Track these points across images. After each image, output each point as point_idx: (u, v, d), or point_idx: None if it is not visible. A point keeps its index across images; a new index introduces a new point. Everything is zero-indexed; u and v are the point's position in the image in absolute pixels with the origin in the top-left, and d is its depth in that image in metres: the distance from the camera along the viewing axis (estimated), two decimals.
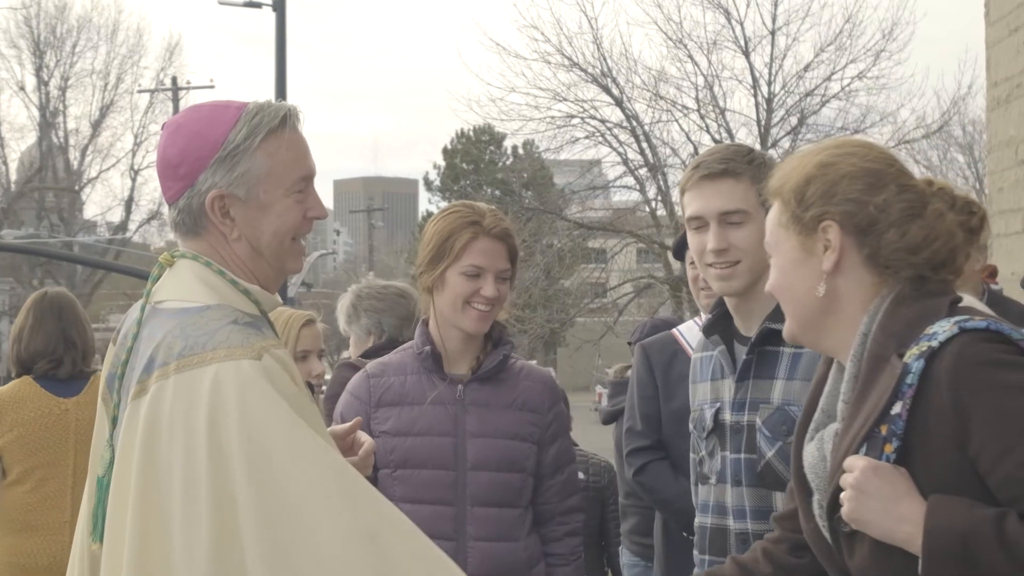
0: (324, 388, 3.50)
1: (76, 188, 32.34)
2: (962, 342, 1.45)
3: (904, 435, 1.46)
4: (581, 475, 4.20)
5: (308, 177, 1.73)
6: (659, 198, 18.11)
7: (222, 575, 1.48)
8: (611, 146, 18.14)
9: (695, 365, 2.39)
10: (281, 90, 15.31)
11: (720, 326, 2.27)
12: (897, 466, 1.47)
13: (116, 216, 32.96)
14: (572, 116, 17.90)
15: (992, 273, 5.09)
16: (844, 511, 1.50)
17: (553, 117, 17.78)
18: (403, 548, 1.50)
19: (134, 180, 31.76)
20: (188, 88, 30.69)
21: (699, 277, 2.63)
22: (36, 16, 31.67)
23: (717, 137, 17.33)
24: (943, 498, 1.43)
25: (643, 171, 18.14)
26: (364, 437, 1.99)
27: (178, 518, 1.51)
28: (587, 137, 18.03)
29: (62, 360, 3.56)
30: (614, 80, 17.65)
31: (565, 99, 17.74)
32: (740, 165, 2.15)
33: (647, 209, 18.69)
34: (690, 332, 3.14)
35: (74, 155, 32.19)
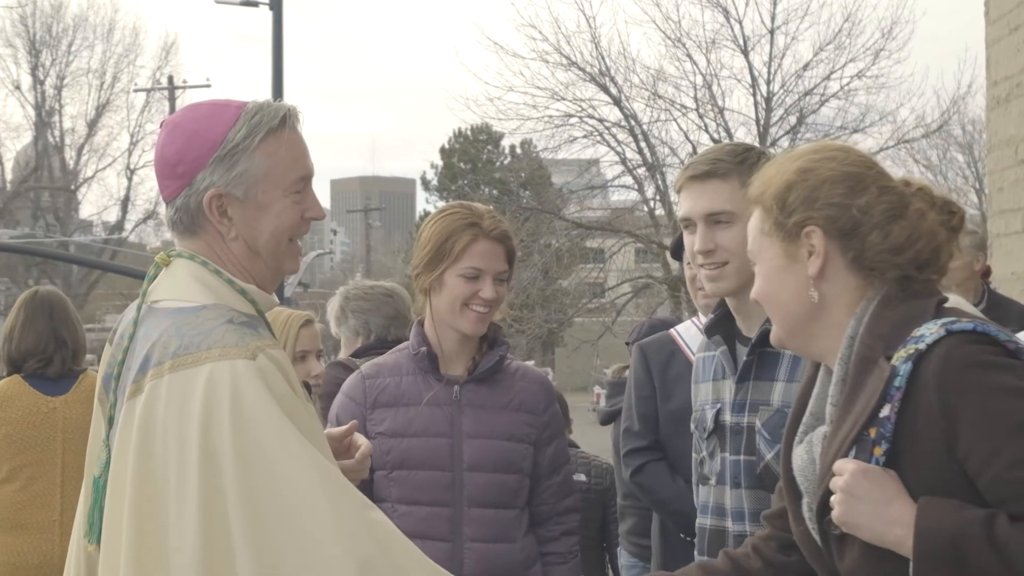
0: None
1: (72, 188, 32.26)
2: (949, 344, 1.45)
3: (893, 438, 1.46)
4: (583, 477, 4.18)
5: (307, 178, 1.73)
6: (657, 198, 18.10)
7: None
8: (609, 145, 18.17)
9: (698, 365, 2.38)
10: (278, 89, 15.27)
11: (722, 326, 2.26)
12: (887, 469, 1.47)
13: (112, 216, 32.98)
14: (570, 115, 17.90)
15: (985, 273, 5.05)
16: (835, 514, 1.50)
17: (551, 116, 17.81)
18: (386, 554, 1.50)
19: (130, 180, 31.75)
20: (184, 87, 30.67)
21: (696, 277, 2.64)
22: (32, 15, 31.64)
23: (716, 136, 17.31)
24: (933, 500, 1.43)
25: (641, 170, 18.13)
26: (361, 440, 1.98)
27: (173, 518, 1.51)
28: (585, 136, 18.05)
29: (52, 359, 3.56)
30: (612, 79, 17.64)
31: (563, 98, 17.75)
32: (728, 165, 2.14)
33: (645, 209, 18.68)
34: (688, 332, 3.13)
35: (70, 154, 32.13)
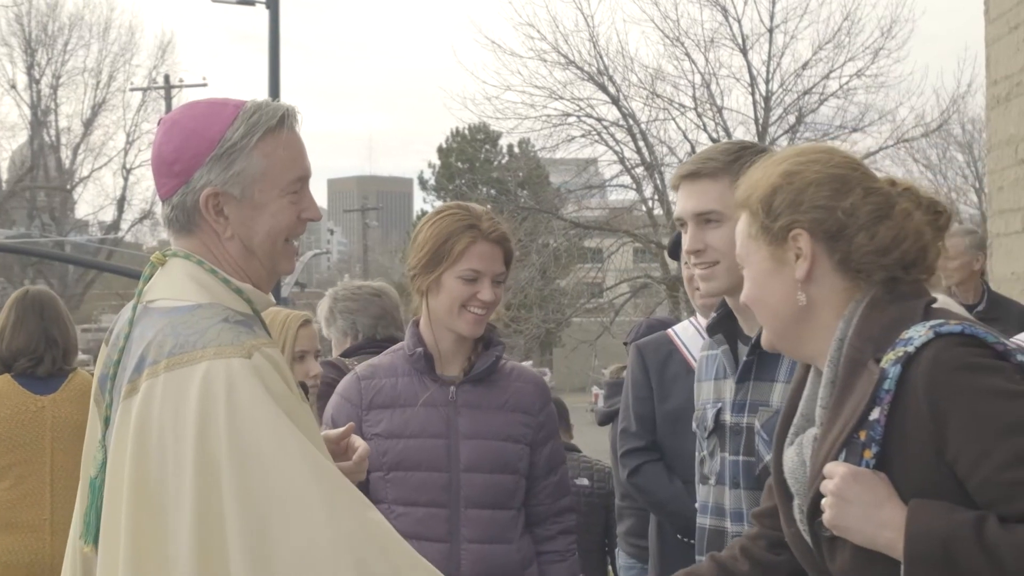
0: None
1: (68, 187, 32.23)
2: (938, 347, 1.45)
3: (883, 440, 1.47)
4: (586, 481, 4.14)
5: (304, 178, 1.72)
6: (656, 197, 18.09)
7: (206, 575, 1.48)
8: (607, 145, 18.15)
9: (701, 363, 2.38)
10: (275, 88, 15.22)
11: (723, 325, 2.25)
12: (877, 471, 1.47)
13: (108, 215, 32.92)
14: (568, 114, 17.88)
15: (980, 273, 5.01)
16: (825, 518, 1.50)
17: (549, 115, 17.78)
18: (383, 555, 1.50)
19: (126, 179, 31.70)
20: (181, 86, 30.61)
21: (693, 277, 2.61)
22: (27, 14, 31.57)
23: (714, 136, 17.30)
24: (923, 503, 1.44)
25: (640, 170, 18.12)
26: (358, 441, 1.98)
27: (170, 519, 1.51)
28: (583, 136, 18.03)
29: (43, 358, 3.58)
30: (610, 78, 17.62)
31: (561, 97, 17.73)
32: (717, 165, 2.14)
33: (644, 208, 18.66)
34: (685, 332, 3.12)
35: (66, 154, 32.08)
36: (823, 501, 1.51)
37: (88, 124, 31.70)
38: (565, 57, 17.53)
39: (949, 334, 1.46)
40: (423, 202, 40.08)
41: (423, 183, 38.35)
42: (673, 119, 17.77)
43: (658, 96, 17.59)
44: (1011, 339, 2.23)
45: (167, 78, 30.96)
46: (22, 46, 31.50)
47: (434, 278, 2.45)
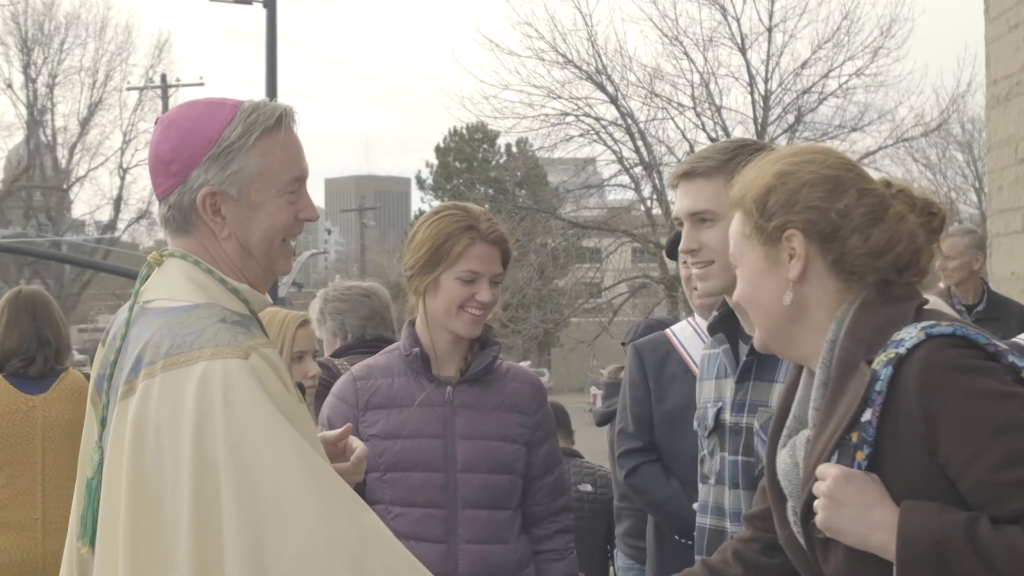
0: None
1: (64, 187, 32.16)
2: (929, 348, 1.45)
3: (875, 442, 1.47)
4: (589, 487, 4.09)
5: (301, 178, 1.72)
6: (654, 197, 18.09)
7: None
8: (606, 144, 18.14)
9: (703, 362, 2.37)
10: (272, 88, 15.16)
11: (724, 324, 2.24)
12: (869, 473, 1.48)
13: (105, 215, 32.87)
14: (566, 114, 17.87)
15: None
16: (818, 519, 1.51)
17: (547, 115, 17.77)
18: (378, 558, 1.50)
19: (123, 179, 31.65)
20: (177, 85, 30.53)
21: (690, 277, 2.62)
22: (24, 13, 31.52)
23: (713, 135, 17.29)
24: (915, 504, 1.44)
25: (638, 169, 18.12)
26: (356, 443, 1.98)
27: (168, 520, 1.51)
28: (581, 135, 18.03)
29: (35, 358, 3.58)
30: (609, 77, 17.60)
31: (559, 96, 17.73)
32: (712, 164, 2.13)
33: (642, 208, 18.66)
34: (683, 333, 3.10)
35: (62, 153, 32.02)
36: (815, 503, 1.51)
37: (84, 123, 31.66)
38: (563, 56, 17.52)
39: (940, 335, 1.46)
40: (421, 202, 40.13)
41: (421, 183, 38.33)
42: (672, 118, 17.80)
43: (656, 95, 17.61)
44: (1013, 339, 2.20)
45: (164, 77, 30.90)
46: (18, 45, 31.46)
47: (432, 279, 2.44)
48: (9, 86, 31.37)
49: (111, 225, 32.37)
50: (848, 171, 1.60)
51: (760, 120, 17.74)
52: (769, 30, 17.71)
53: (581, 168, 19.26)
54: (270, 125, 1.67)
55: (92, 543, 1.62)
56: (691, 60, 17.64)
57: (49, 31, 31.77)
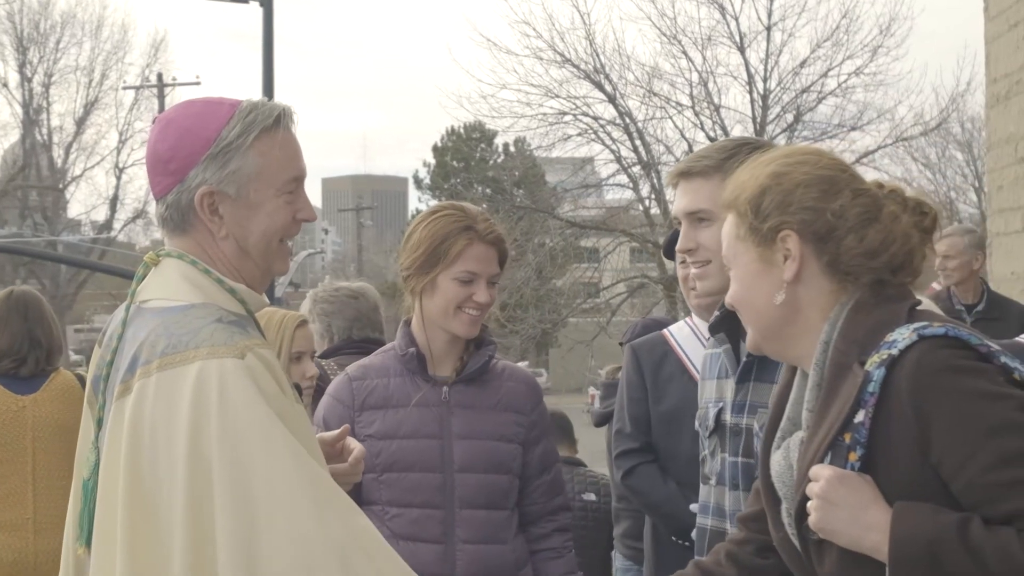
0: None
1: (60, 186, 32.02)
2: (921, 349, 1.46)
3: (868, 443, 1.48)
4: (593, 496, 4.04)
5: (299, 178, 1.72)
6: (653, 196, 18.07)
7: None
8: (604, 143, 18.10)
9: (705, 361, 2.36)
10: (268, 87, 15.11)
11: (726, 324, 2.21)
12: (862, 474, 1.48)
13: (101, 215, 32.75)
14: (564, 113, 17.83)
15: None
16: (811, 520, 1.51)
17: (545, 114, 17.73)
18: (369, 561, 1.50)
19: (119, 178, 31.51)
20: (174, 85, 30.47)
21: (688, 277, 2.62)
22: (19, 12, 31.36)
23: (711, 134, 17.26)
24: (908, 505, 1.44)
25: (636, 169, 18.09)
26: (354, 444, 1.97)
27: (162, 518, 1.52)
28: (579, 134, 18.00)
29: (26, 359, 3.59)
30: (607, 76, 17.57)
31: (557, 96, 17.69)
32: (710, 163, 2.13)
33: (640, 208, 18.63)
34: (681, 333, 3.10)
35: (58, 153, 31.88)
36: (809, 504, 1.51)
37: (80, 123, 31.52)
38: (561, 55, 17.48)
39: (933, 336, 1.47)
40: (418, 201, 40.06)
41: (418, 182, 38.26)
42: (670, 117, 17.77)
43: (655, 94, 17.58)
44: (1014, 339, 2.16)
45: (160, 76, 30.83)
46: (14, 44, 31.32)
47: (429, 279, 2.44)
48: (4, 85, 31.28)
49: (107, 225, 32.27)
50: (842, 172, 1.61)
51: (759, 119, 17.71)
52: (768, 29, 17.68)
53: (579, 167, 19.22)
54: (268, 125, 1.67)
55: (89, 544, 1.62)
56: (689, 59, 17.64)
57: (45, 30, 31.67)
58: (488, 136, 33.90)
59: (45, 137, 31.75)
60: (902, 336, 1.48)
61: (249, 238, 1.68)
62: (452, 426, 2.45)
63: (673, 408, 2.96)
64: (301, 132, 1.75)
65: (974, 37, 6.91)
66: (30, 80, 31.39)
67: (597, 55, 17.50)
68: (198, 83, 30.52)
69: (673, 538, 2.93)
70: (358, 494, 2.40)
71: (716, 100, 17.70)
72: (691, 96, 17.62)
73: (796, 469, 1.57)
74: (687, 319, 3.14)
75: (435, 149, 37.47)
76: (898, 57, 18.37)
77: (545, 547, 2.53)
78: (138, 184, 31.51)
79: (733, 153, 2.14)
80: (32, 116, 31.38)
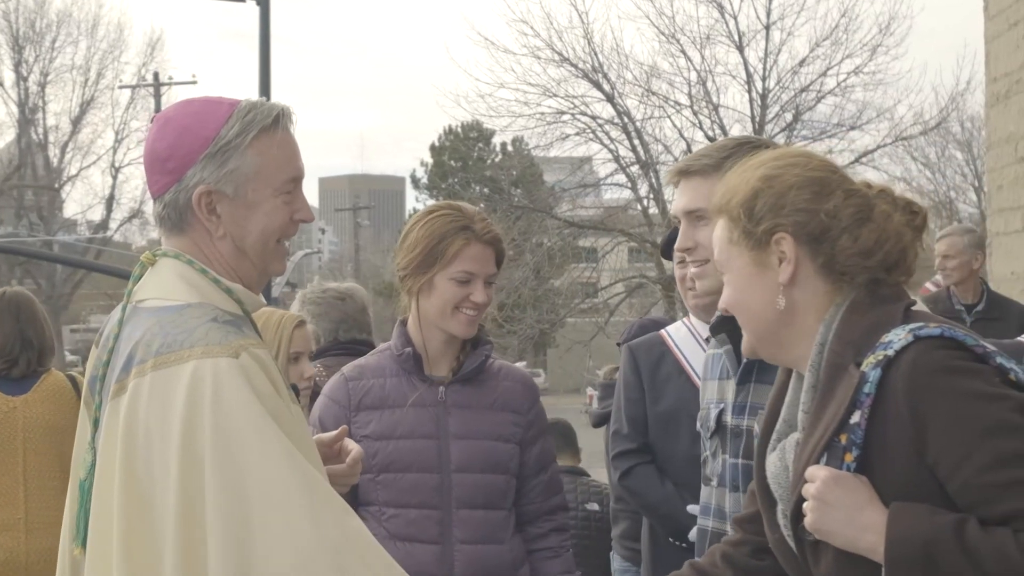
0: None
1: (56, 186, 31.96)
2: (917, 350, 1.46)
3: (863, 444, 1.48)
4: (596, 506, 3.99)
5: (297, 179, 1.72)
6: (651, 196, 18.04)
7: None
8: (602, 143, 18.06)
9: (707, 361, 2.35)
10: (265, 86, 15.08)
11: (727, 324, 2.18)
12: (858, 475, 1.48)
13: (97, 215, 32.68)
14: (562, 112, 17.78)
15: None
16: (807, 521, 1.51)
17: (543, 113, 17.68)
18: (363, 562, 1.50)
19: (115, 178, 31.44)
20: (170, 84, 30.43)
21: (686, 277, 2.61)
22: (15, 10, 31.29)
23: (710, 134, 17.23)
24: (904, 506, 1.45)
25: (635, 168, 18.05)
26: (351, 444, 1.97)
27: (156, 518, 1.52)
28: (578, 134, 17.96)
29: (17, 360, 3.59)
30: (605, 76, 17.53)
31: (555, 95, 17.64)
32: (710, 162, 2.13)
33: (639, 207, 18.59)
34: (678, 333, 3.08)
35: (54, 152, 31.82)
36: (805, 505, 1.51)
37: (76, 122, 31.44)
38: (559, 54, 17.43)
39: (928, 337, 1.47)
40: (416, 201, 40.01)
41: (415, 182, 38.20)
42: (668, 117, 17.72)
43: (653, 94, 17.53)
44: (1015, 340, 2.13)
45: (156, 75, 30.81)
46: (9, 43, 31.24)
47: (426, 280, 2.43)
48: (0, 84, 31.21)
49: (103, 225, 32.20)
50: (832, 173, 1.61)
51: (758, 118, 17.68)
52: (767, 28, 17.64)
53: (577, 167, 19.18)
54: (267, 124, 1.67)
55: (85, 544, 1.61)
56: (688, 58, 17.59)
57: (40, 29, 31.58)
58: (486, 135, 33.85)
59: (41, 136, 31.68)
60: (898, 337, 1.48)
61: (246, 238, 1.68)
62: (449, 426, 2.44)
63: (670, 409, 2.96)
64: (298, 131, 1.74)
65: (974, 36, 6.91)
66: (26, 79, 31.32)
67: (595, 54, 17.47)
68: (194, 82, 30.50)
69: (670, 539, 2.92)
70: (355, 495, 2.40)
71: (715, 99, 17.68)
72: (690, 95, 17.59)
73: (792, 470, 1.58)
74: (685, 319, 3.13)
75: (432, 148, 37.42)
76: (897, 56, 18.36)
77: (542, 547, 2.53)
78: (134, 184, 31.54)
79: (733, 152, 2.13)
80: (28, 115, 31.30)
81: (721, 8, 17.57)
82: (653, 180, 17.74)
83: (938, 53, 25.15)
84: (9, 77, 31.33)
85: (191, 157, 1.65)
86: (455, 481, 2.42)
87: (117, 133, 31.32)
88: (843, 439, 1.49)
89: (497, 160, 29.25)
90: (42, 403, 3.61)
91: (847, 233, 1.56)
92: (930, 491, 1.45)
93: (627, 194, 18.73)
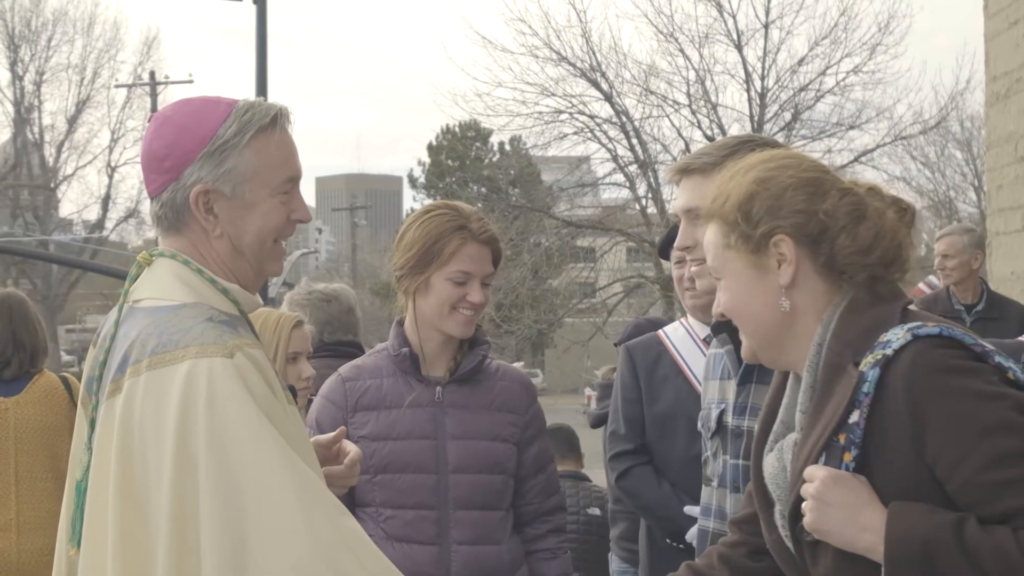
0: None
1: (52, 185, 31.86)
2: (916, 349, 1.46)
3: (862, 443, 1.48)
4: (597, 511, 3.95)
5: (295, 179, 1.72)
6: (649, 195, 18.00)
7: None
8: (600, 142, 18.01)
9: (708, 361, 2.35)
10: (262, 85, 15.05)
11: (729, 325, 2.17)
12: (857, 475, 1.48)
13: (93, 214, 32.57)
14: (560, 111, 17.74)
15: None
16: (806, 521, 1.51)
17: (541, 112, 17.63)
18: (358, 562, 1.49)
19: (111, 177, 31.37)
20: (166, 83, 30.36)
21: (683, 277, 2.61)
22: (10, 9, 31.19)
23: (709, 133, 17.20)
24: (903, 505, 1.45)
25: (633, 168, 17.99)
26: (349, 446, 1.97)
27: (151, 517, 1.51)
28: (575, 133, 17.91)
29: (10, 362, 3.64)
30: (603, 75, 17.49)
31: (553, 94, 17.59)
32: (710, 161, 2.13)
33: (637, 207, 18.54)
34: (676, 333, 3.08)
35: (49, 152, 31.71)
36: (803, 505, 1.51)
37: (72, 121, 31.36)
38: (557, 53, 17.38)
39: (927, 336, 1.47)
40: (413, 200, 39.99)
41: (413, 181, 38.17)
42: (667, 116, 17.67)
43: (652, 93, 17.49)
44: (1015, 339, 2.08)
45: (152, 75, 30.72)
46: (5, 42, 31.14)
47: (423, 280, 2.42)
48: None
49: (99, 224, 32.09)
50: (824, 173, 1.62)
51: (756, 118, 17.65)
52: (766, 27, 17.61)
53: (575, 166, 19.14)
54: (265, 124, 1.67)
55: (80, 545, 1.61)
56: (686, 57, 17.55)
57: (36, 28, 31.49)
58: (483, 135, 33.77)
59: (36, 136, 31.58)
60: (896, 336, 1.48)
61: (243, 238, 1.68)
62: (446, 426, 2.43)
63: (667, 409, 2.96)
64: (295, 130, 1.74)
65: (973, 35, 6.89)
66: (21, 78, 31.22)
67: (593, 53, 17.42)
68: (191, 81, 30.51)
69: (668, 540, 2.92)
70: (352, 496, 2.39)
71: (713, 98, 17.64)
72: (688, 94, 17.55)
73: (790, 471, 1.57)
74: (682, 320, 3.12)
75: (430, 148, 37.37)
76: (897, 55, 18.34)
77: (540, 548, 2.52)
78: (130, 183, 31.46)
79: (735, 150, 2.12)
80: (23, 114, 31.20)
81: (720, 7, 17.55)
82: (651, 180, 17.70)
83: (937, 52, 25.22)
84: (5, 76, 31.36)
85: (188, 156, 1.65)
86: (452, 482, 2.41)
87: (113, 132, 31.30)
88: (842, 439, 1.49)
89: (495, 159, 29.20)
90: (34, 404, 3.62)
91: (845, 232, 1.56)
92: (929, 490, 1.45)
93: (625, 194, 18.70)
